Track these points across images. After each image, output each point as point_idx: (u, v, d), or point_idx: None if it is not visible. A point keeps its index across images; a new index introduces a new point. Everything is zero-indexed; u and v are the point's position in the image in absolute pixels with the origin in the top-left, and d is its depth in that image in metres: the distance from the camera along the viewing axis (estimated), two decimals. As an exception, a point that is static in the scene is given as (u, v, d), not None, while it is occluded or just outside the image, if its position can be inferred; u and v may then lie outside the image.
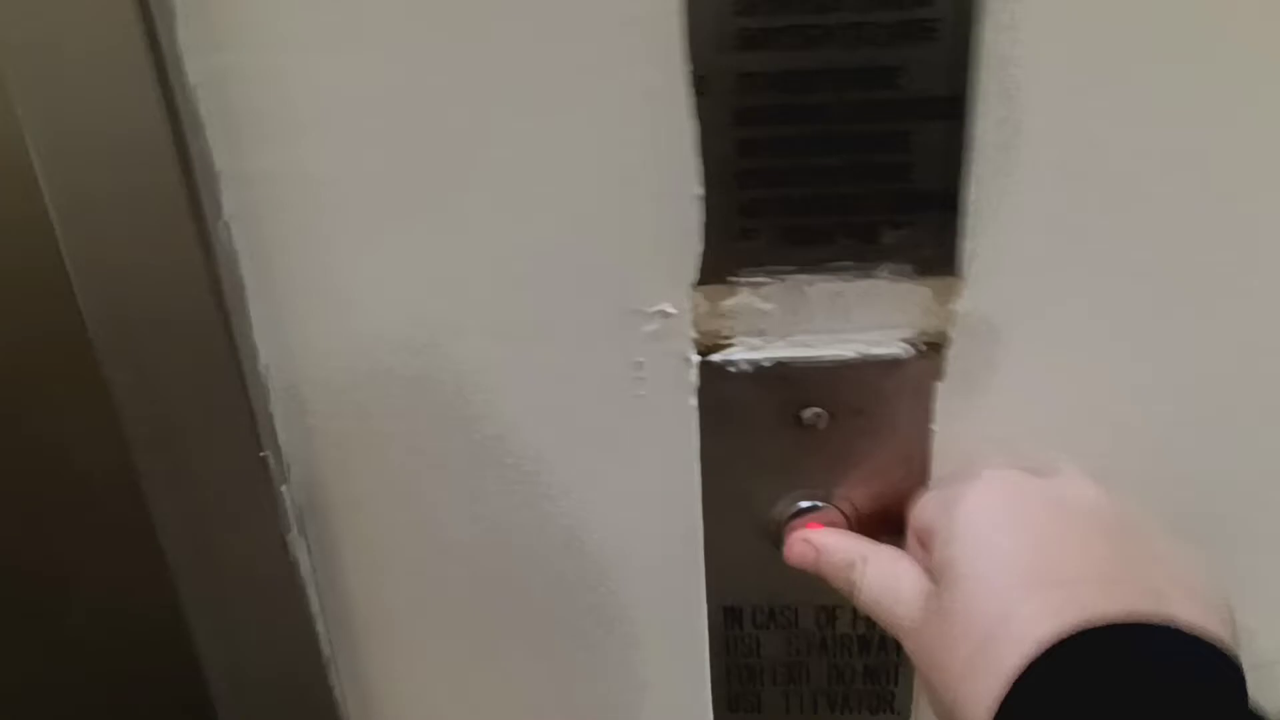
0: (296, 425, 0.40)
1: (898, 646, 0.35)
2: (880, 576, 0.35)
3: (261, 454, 0.39)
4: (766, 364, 0.37)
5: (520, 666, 0.45)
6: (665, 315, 0.37)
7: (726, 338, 0.37)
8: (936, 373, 0.37)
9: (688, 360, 0.38)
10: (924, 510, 0.36)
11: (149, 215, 0.35)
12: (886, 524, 0.39)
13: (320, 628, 0.43)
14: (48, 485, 0.43)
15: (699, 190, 0.35)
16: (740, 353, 0.37)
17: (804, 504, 0.39)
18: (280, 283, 0.37)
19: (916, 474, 0.39)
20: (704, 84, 0.33)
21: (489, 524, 0.41)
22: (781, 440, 0.38)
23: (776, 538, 0.39)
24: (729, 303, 0.37)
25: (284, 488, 0.40)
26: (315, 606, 0.42)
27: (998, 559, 0.31)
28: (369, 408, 0.39)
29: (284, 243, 0.36)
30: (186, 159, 0.34)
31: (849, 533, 0.38)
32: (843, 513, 0.39)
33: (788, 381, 0.37)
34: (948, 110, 0.33)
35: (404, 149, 0.35)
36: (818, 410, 0.38)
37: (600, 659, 0.44)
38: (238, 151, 0.35)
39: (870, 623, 0.38)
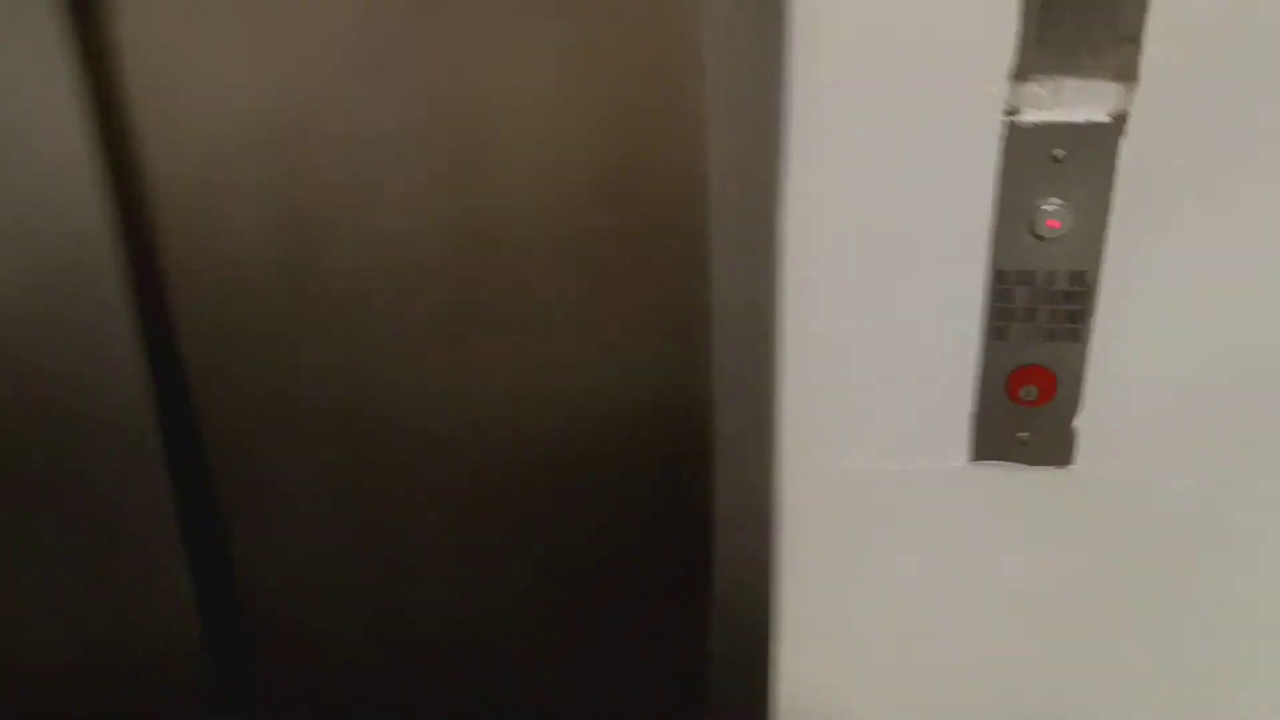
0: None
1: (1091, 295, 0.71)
2: None
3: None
4: (1038, 122, 0.73)
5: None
6: (992, 94, 0.73)
7: (1019, 108, 0.74)
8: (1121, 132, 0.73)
9: (999, 120, 0.74)
10: None
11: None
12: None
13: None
14: None
15: (1017, 29, 0.71)
16: (1026, 116, 0.73)
17: (1049, 205, 0.75)
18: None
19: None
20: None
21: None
22: (1042, 167, 0.74)
23: (1032, 227, 0.75)
24: (1024, 88, 0.73)
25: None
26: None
27: None
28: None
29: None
30: None
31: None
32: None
33: (1048, 133, 0.73)
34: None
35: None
36: (1061, 151, 0.74)
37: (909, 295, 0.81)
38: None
39: (1073, 280, 0.74)
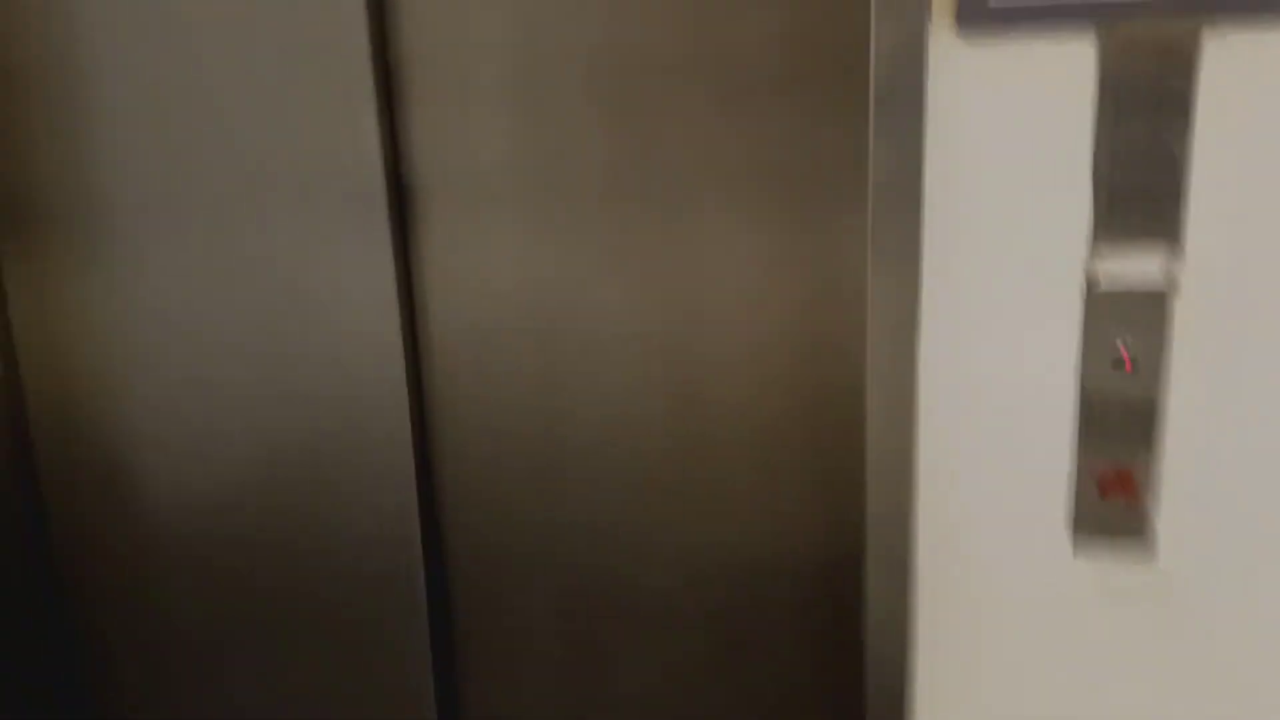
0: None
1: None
2: None
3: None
4: (1111, 290, 0.99)
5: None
6: (1077, 270, 0.99)
7: (1097, 277, 0.99)
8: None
9: (1082, 289, 0.99)
10: None
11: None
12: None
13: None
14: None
15: (1089, 227, 0.97)
16: (1102, 285, 0.99)
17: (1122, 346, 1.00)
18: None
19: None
20: None
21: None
22: (1117, 318, 0.99)
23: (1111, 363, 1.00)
24: (1099, 261, 0.99)
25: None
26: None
27: None
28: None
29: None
30: None
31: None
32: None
33: (1119, 297, 0.99)
34: None
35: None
36: (1129, 307, 0.99)
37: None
38: None
39: (1144, 404, 0.99)
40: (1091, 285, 0.99)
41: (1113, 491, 1.04)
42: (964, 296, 1.01)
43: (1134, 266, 0.97)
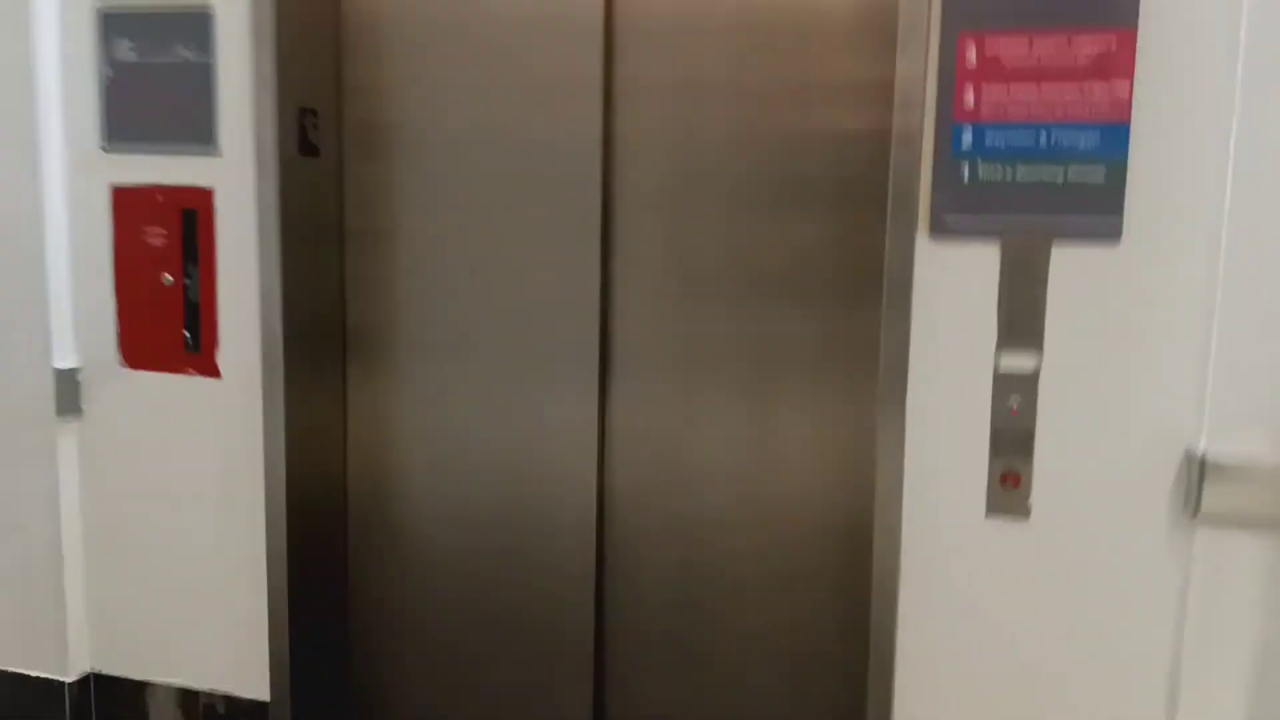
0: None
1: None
2: None
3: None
4: None
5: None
6: None
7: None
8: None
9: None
10: None
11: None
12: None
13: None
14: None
15: None
16: None
17: None
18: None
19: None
20: None
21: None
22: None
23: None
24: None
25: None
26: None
27: None
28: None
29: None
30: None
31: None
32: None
33: None
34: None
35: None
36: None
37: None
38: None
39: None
40: (996, 371, 1.90)
41: (1008, 483, 1.94)
42: (920, 408, 1.91)
43: (1017, 361, 1.88)
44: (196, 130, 2.24)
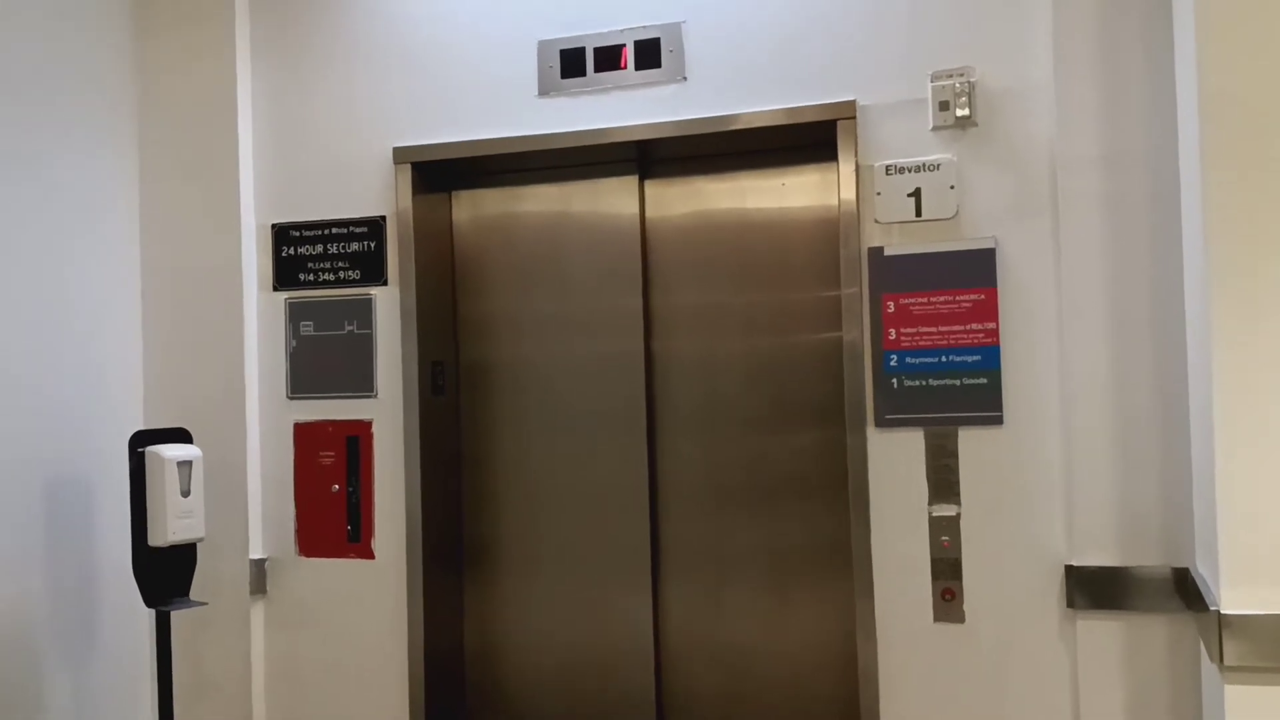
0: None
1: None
2: None
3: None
4: None
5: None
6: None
7: (931, 514, 2.79)
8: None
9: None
10: None
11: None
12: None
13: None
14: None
15: None
16: None
17: None
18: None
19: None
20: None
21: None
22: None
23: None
24: None
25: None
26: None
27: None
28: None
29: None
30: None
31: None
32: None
33: None
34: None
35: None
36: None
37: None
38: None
39: None
40: (930, 516, 2.77)
41: (947, 596, 2.78)
42: (881, 546, 2.78)
43: (943, 509, 2.76)
44: (359, 380, 3.19)
